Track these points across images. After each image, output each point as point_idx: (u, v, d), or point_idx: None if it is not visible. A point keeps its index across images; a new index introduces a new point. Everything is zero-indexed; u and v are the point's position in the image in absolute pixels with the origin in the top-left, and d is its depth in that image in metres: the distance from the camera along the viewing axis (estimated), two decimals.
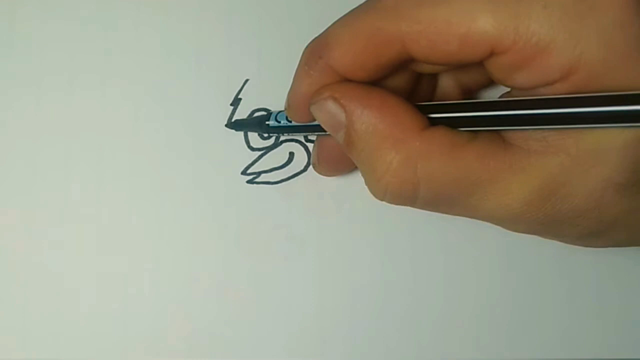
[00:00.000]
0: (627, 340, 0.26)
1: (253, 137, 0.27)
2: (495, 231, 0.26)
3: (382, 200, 0.21)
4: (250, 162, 0.27)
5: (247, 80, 0.27)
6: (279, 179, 0.27)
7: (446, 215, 0.26)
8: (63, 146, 0.27)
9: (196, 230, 0.27)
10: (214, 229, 0.27)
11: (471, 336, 0.26)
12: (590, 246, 0.22)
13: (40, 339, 0.26)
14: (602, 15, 0.17)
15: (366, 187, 0.21)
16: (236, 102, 0.27)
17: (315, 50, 0.21)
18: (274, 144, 0.27)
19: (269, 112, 0.26)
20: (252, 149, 0.27)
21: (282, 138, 0.27)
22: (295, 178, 0.27)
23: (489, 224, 0.21)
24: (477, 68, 0.20)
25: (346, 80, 0.20)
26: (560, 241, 0.21)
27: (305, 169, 0.27)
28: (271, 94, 0.27)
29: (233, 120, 0.27)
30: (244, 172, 0.27)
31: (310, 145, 0.27)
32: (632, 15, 0.17)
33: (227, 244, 0.27)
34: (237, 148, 0.27)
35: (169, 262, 0.27)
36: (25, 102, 0.27)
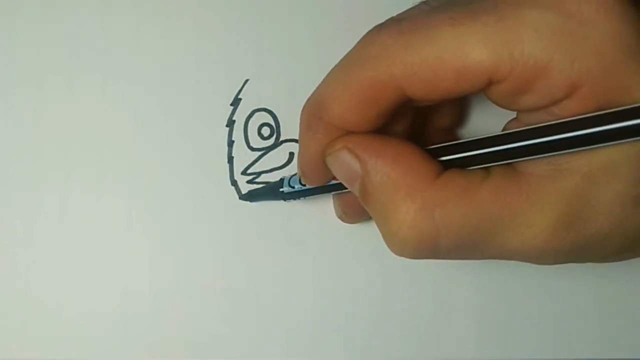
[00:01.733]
0: (627, 340, 0.26)
1: (253, 137, 0.27)
2: None
3: (400, 255, 0.20)
4: (250, 162, 0.27)
5: (247, 80, 0.27)
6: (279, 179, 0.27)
7: None
8: (63, 146, 0.27)
9: (196, 230, 0.27)
10: (213, 229, 0.27)
11: (471, 336, 0.26)
12: (616, 261, 0.21)
13: (40, 339, 0.26)
14: (592, 29, 0.17)
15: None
16: (236, 102, 0.27)
17: (313, 112, 0.20)
18: (274, 144, 0.27)
19: (282, 179, 0.25)
20: (252, 149, 0.27)
21: (281, 138, 0.27)
22: None
23: None
24: None
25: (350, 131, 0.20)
26: (586, 262, 0.21)
27: None
28: (271, 94, 0.27)
29: (246, 192, 0.27)
30: (244, 172, 0.27)
31: None
32: (621, 27, 0.17)
33: (227, 244, 0.27)
34: (237, 148, 0.27)
35: (169, 262, 0.27)
36: (25, 102, 0.27)
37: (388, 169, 0.19)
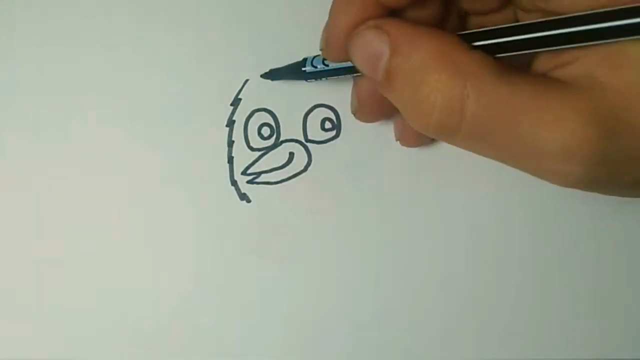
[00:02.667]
0: (627, 340, 0.26)
1: (253, 137, 0.27)
2: (496, 231, 0.27)
3: (426, 129, 0.19)
4: (250, 162, 0.27)
5: (247, 80, 0.27)
6: (279, 179, 0.27)
7: (447, 213, 0.26)
8: (62, 145, 0.27)
9: (196, 230, 0.27)
10: (214, 229, 0.27)
11: (471, 337, 0.26)
12: None
13: (41, 339, 0.26)
14: None
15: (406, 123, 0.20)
16: (236, 102, 0.27)
17: None
18: (274, 144, 0.27)
19: (304, 58, 0.25)
20: (252, 149, 0.27)
21: (281, 138, 0.27)
22: (295, 178, 0.27)
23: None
24: None
25: (386, 11, 0.20)
26: (610, 194, 0.20)
27: (305, 169, 0.27)
28: (271, 94, 0.27)
29: (268, 70, 0.26)
30: (244, 172, 0.27)
31: (310, 145, 0.27)
32: None
33: (227, 244, 0.27)
34: (237, 148, 0.27)
35: (169, 262, 0.27)
36: (24, 101, 0.27)
37: (422, 43, 0.19)
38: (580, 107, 0.18)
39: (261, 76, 0.27)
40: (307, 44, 0.27)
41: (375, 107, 0.24)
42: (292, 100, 0.27)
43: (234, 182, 0.27)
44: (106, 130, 0.27)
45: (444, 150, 0.27)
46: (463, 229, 0.27)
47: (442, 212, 0.27)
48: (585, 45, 0.18)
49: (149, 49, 0.27)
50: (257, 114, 0.27)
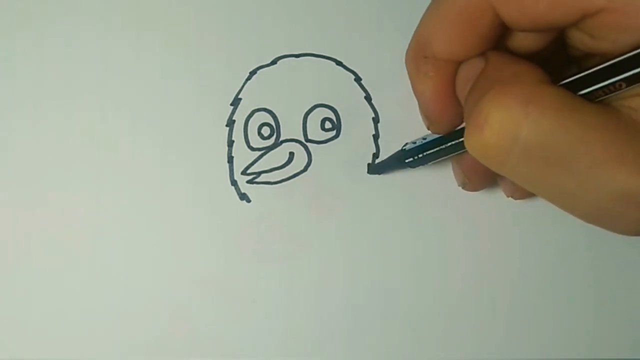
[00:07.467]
0: (627, 340, 0.26)
1: (253, 137, 0.27)
2: (496, 231, 0.27)
3: (474, 148, 0.18)
4: (250, 162, 0.27)
5: (247, 80, 0.27)
6: (279, 179, 0.27)
7: (450, 213, 0.26)
8: (63, 146, 0.27)
9: (196, 230, 0.27)
10: (214, 228, 0.27)
11: (471, 337, 0.26)
12: None
13: (40, 339, 0.26)
14: None
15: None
16: (236, 102, 0.27)
17: (417, 53, 0.21)
18: (274, 144, 0.27)
19: (405, 144, 0.25)
20: (252, 149, 0.27)
21: (282, 138, 0.27)
22: (295, 178, 0.27)
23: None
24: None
25: (458, 62, 0.20)
26: None
27: (305, 169, 0.27)
28: (271, 94, 0.27)
29: (374, 163, 0.27)
30: (244, 172, 0.27)
31: (310, 145, 0.27)
32: None
33: (227, 244, 0.27)
34: (237, 148, 0.27)
35: (169, 262, 0.27)
36: (25, 101, 0.27)
37: (506, 61, 0.19)
38: None
39: (368, 172, 0.27)
40: (307, 43, 0.27)
41: (483, 176, 0.24)
42: (292, 100, 0.27)
43: (234, 182, 0.27)
44: (106, 131, 0.27)
45: None
46: (463, 228, 0.27)
47: (442, 212, 0.27)
48: None
49: (149, 49, 0.27)
50: (257, 113, 0.27)
